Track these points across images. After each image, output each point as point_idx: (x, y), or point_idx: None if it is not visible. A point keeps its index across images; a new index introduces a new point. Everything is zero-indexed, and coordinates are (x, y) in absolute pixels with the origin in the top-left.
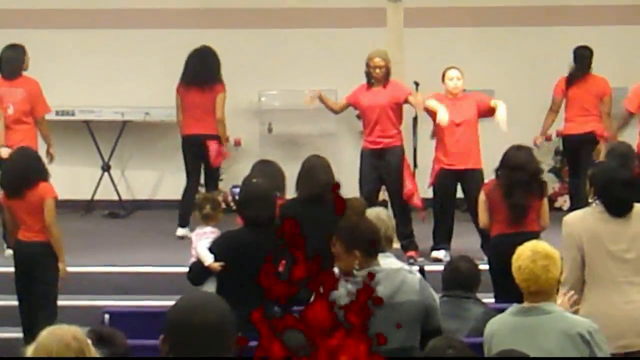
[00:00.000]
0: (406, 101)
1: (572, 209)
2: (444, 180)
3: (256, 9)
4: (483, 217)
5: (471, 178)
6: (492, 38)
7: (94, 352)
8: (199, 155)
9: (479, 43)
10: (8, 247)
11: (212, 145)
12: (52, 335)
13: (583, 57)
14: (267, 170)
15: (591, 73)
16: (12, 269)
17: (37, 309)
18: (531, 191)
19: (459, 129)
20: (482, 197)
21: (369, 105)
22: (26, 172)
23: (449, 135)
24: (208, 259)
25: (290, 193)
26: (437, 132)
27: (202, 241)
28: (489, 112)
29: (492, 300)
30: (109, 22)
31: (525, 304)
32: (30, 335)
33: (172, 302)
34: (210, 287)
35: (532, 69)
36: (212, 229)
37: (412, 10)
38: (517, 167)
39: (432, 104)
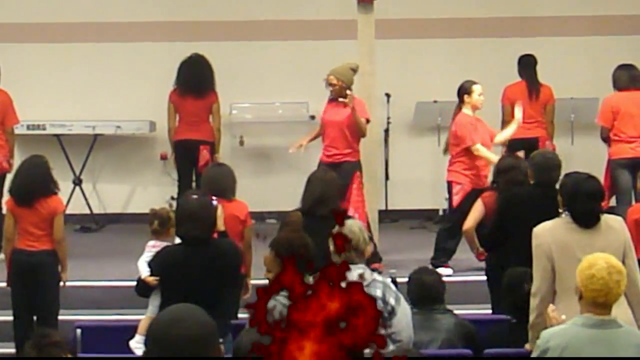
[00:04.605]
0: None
1: None
2: (470, 199)
3: (227, 21)
4: (470, 221)
5: None
6: (464, 49)
7: None
8: (191, 159)
9: (450, 54)
10: None
11: (203, 152)
12: None
13: (533, 64)
14: (220, 172)
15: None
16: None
17: (42, 320)
18: None
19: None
20: (478, 203)
21: (328, 121)
22: (40, 182)
23: (479, 159)
24: (143, 272)
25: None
26: (468, 155)
27: (144, 255)
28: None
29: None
30: (80, 36)
31: (595, 316)
32: None
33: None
34: (156, 301)
35: (503, 80)
36: (156, 243)
37: (384, 21)
38: (509, 168)
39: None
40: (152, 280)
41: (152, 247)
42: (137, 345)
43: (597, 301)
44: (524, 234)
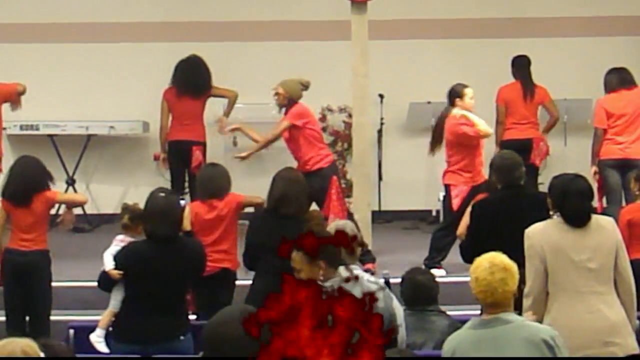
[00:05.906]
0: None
1: None
2: (470, 199)
3: (220, 22)
4: (463, 226)
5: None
6: (458, 50)
7: None
8: (184, 160)
9: (444, 55)
10: None
11: (196, 152)
12: (2, 349)
13: (527, 65)
14: (215, 173)
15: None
16: None
17: (35, 320)
18: None
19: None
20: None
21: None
22: (35, 182)
23: (479, 155)
24: (107, 265)
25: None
26: (472, 152)
27: (111, 248)
28: None
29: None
30: (73, 36)
31: (484, 316)
32: None
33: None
34: (118, 295)
35: (496, 80)
36: (124, 237)
37: (377, 22)
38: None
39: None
40: (116, 273)
41: (120, 241)
42: (97, 339)
43: (487, 302)
44: (507, 235)
